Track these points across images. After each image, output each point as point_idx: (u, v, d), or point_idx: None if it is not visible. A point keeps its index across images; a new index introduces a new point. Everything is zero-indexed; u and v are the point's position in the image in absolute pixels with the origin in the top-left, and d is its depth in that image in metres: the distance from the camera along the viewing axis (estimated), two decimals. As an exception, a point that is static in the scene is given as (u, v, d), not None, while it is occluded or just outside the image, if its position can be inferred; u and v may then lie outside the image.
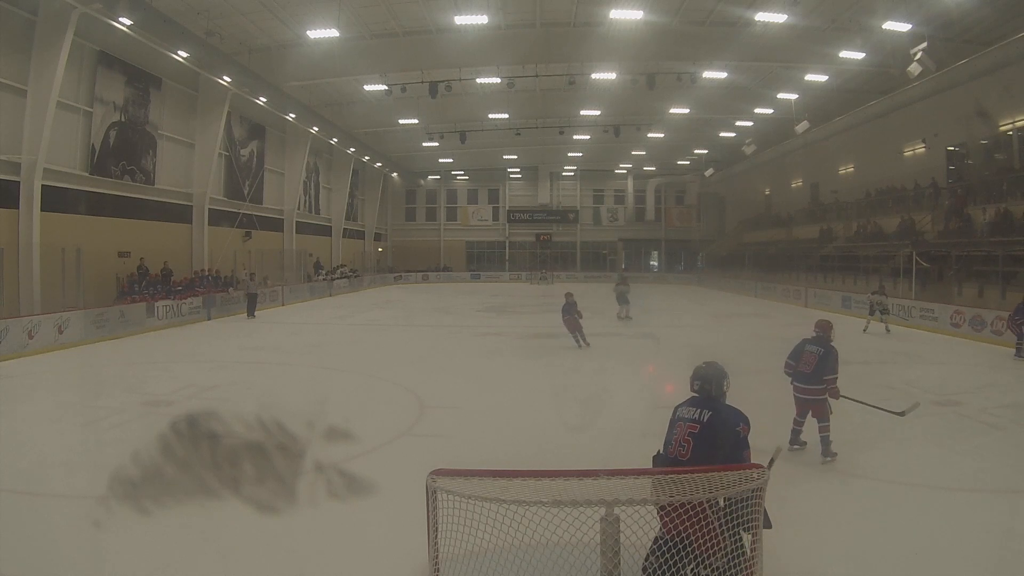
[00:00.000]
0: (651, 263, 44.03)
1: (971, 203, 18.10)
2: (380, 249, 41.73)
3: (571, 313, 12.47)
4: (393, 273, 40.16)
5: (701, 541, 2.87)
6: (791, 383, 5.90)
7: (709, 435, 3.20)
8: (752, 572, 2.93)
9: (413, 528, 4.08)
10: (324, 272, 30.41)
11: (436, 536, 2.92)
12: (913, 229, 19.97)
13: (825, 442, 5.72)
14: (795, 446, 5.93)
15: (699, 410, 3.31)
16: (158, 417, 7.16)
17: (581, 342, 12.39)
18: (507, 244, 43.79)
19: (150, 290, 16.84)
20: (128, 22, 15.00)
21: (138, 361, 11.51)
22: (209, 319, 17.92)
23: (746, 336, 15.00)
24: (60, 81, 14.00)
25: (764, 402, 8.23)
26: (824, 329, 5.95)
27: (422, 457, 4.98)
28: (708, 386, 3.39)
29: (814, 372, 5.70)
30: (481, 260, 43.71)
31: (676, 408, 3.43)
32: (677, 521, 2.89)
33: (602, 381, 9.51)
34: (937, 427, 7.01)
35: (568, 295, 12.86)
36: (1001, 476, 5.45)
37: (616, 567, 2.90)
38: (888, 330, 15.19)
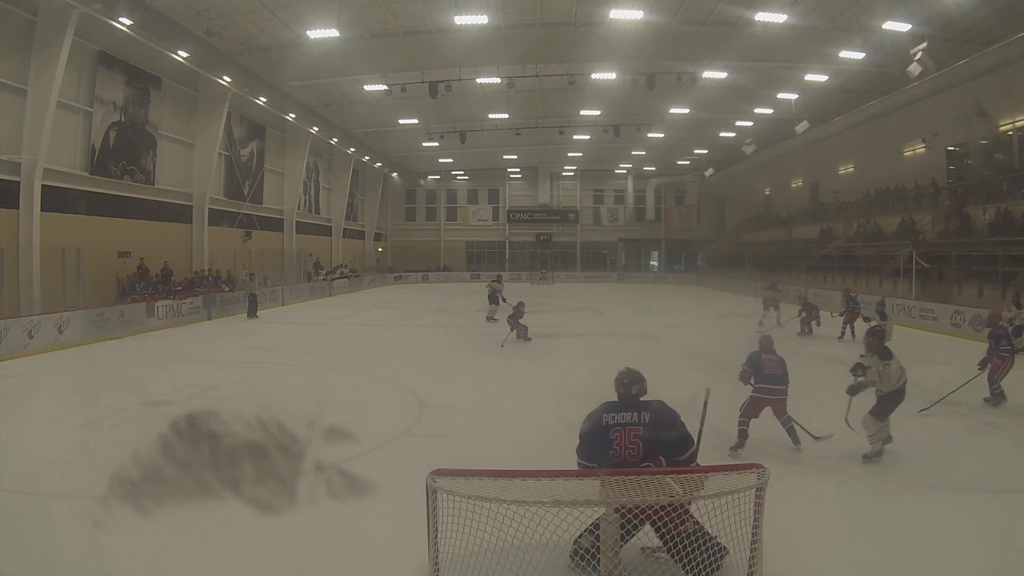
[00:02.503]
0: (651, 263, 44.05)
1: (971, 203, 18.11)
2: (380, 249, 41.73)
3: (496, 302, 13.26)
4: (393, 273, 40.16)
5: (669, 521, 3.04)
6: (756, 386, 6.16)
7: (654, 432, 3.49)
8: (753, 571, 2.93)
9: (413, 528, 4.08)
10: (324, 272, 30.41)
11: (436, 536, 2.93)
12: (913, 229, 19.98)
13: (794, 432, 6.10)
14: (740, 449, 6.10)
15: (634, 413, 3.55)
16: (158, 417, 7.16)
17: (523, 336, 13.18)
18: (507, 244, 43.80)
19: (150, 290, 16.84)
20: (128, 22, 15.00)
21: (138, 361, 11.50)
22: (209, 319, 17.91)
23: (747, 336, 14.96)
24: (60, 81, 14.00)
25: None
26: (772, 342, 6.60)
27: (422, 457, 4.99)
28: (635, 388, 3.71)
29: (784, 374, 6.19)
30: (481, 260, 43.69)
31: (600, 417, 3.61)
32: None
33: (602, 381, 9.47)
34: (937, 427, 7.01)
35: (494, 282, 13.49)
36: (1001, 476, 5.45)
37: (616, 567, 2.90)
38: (779, 323, 15.41)
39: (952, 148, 20.62)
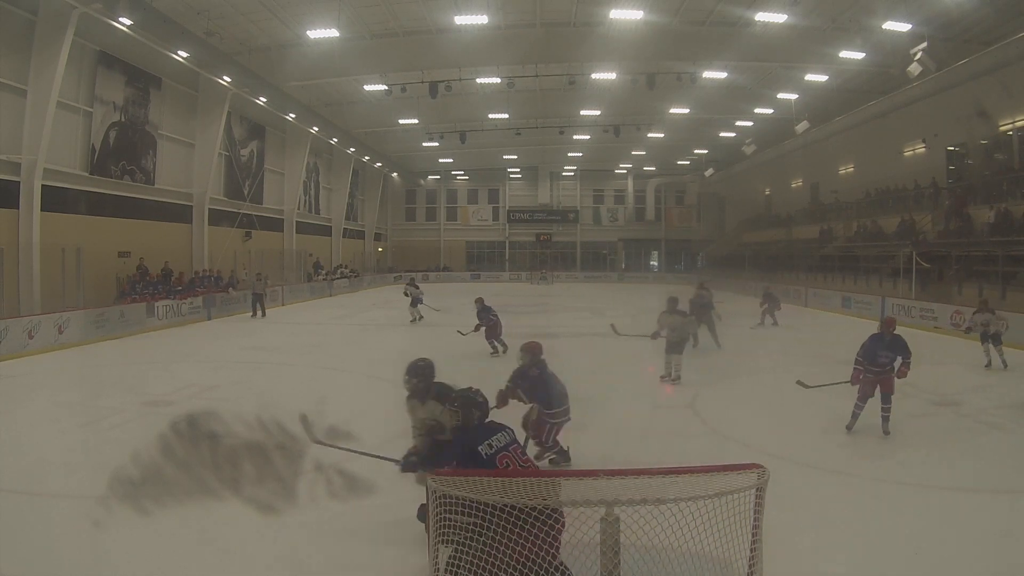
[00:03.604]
0: (651, 263, 44.04)
1: (971, 203, 18.10)
2: (380, 249, 41.72)
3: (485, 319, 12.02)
4: (393, 273, 40.14)
5: None
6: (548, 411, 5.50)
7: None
8: (753, 571, 2.93)
9: (413, 528, 4.08)
10: (324, 272, 30.40)
11: (436, 536, 2.92)
12: (913, 229, 19.98)
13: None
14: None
15: (501, 433, 3.31)
16: (158, 417, 7.15)
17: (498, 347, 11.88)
18: (507, 244, 43.79)
19: (150, 290, 16.84)
20: (128, 22, 14.98)
21: (138, 361, 11.50)
22: (209, 319, 17.91)
23: (747, 336, 14.99)
24: (60, 81, 14.00)
25: (767, 401, 8.23)
26: (541, 350, 5.86)
27: (422, 457, 4.97)
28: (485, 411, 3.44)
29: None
30: (481, 260, 43.70)
31: (474, 450, 3.18)
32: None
33: (602, 381, 9.50)
34: (937, 427, 7.01)
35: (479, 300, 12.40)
36: (1001, 476, 5.45)
37: (616, 567, 2.90)
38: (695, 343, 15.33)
39: (952, 148, 20.61)
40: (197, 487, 5.07)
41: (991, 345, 10.35)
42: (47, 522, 4.49)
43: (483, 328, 11.95)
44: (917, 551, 4.07)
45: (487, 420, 3.43)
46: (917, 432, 6.83)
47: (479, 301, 12.36)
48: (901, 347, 6.49)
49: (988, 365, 10.32)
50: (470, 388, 3.52)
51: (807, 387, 7.13)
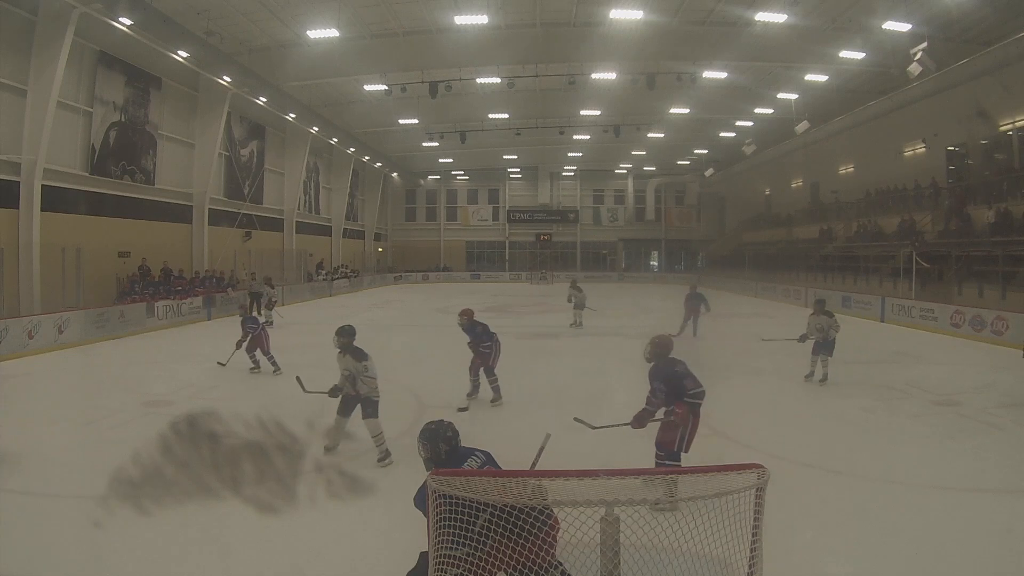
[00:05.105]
0: (651, 263, 44.05)
1: (971, 203, 18.10)
2: (380, 249, 41.72)
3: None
4: (393, 273, 40.15)
5: None
6: None
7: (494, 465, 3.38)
8: (753, 571, 2.93)
9: (413, 528, 4.07)
10: (325, 272, 30.41)
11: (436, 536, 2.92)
12: (913, 229, 19.98)
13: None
14: None
15: (472, 457, 3.37)
16: (158, 417, 7.15)
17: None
18: (507, 244, 43.80)
19: (151, 290, 16.84)
20: (128, 22, 15.00)
21: (138, 361, 11.50)
22: (209, 319, 17.91)
23: (746, 336, 14.97)
24: (60, 81, 14.01)
25: (767, 401, 8.22)
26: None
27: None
28: (456, 439, 3.43)
29: None
30: (481, 260, 43.70)
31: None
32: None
33: (602, 381, 9.50)
34: (937, 427, 7.01)
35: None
36: (1001, 476, 5.45)
37: (616, 567, 2.90)
38: (580, 324, 16.18)
39: (952, 148, 20.60)
40: (197, 487, 5.07)
41: (820, 357, 9.01)
42: (47, 522, 4.49)
43: (248, 339, 10.48)
44: (917, 551, 4.07)
45: (460, 447, 3.43)
46: (917, 432, 6.84)
47: (243, 309, 11.66)
48: (669, 377, 4.78)
49: (811, 375, 9.17)
50: (442, 421, 3.47)
51: (592, 428, 5.36)
